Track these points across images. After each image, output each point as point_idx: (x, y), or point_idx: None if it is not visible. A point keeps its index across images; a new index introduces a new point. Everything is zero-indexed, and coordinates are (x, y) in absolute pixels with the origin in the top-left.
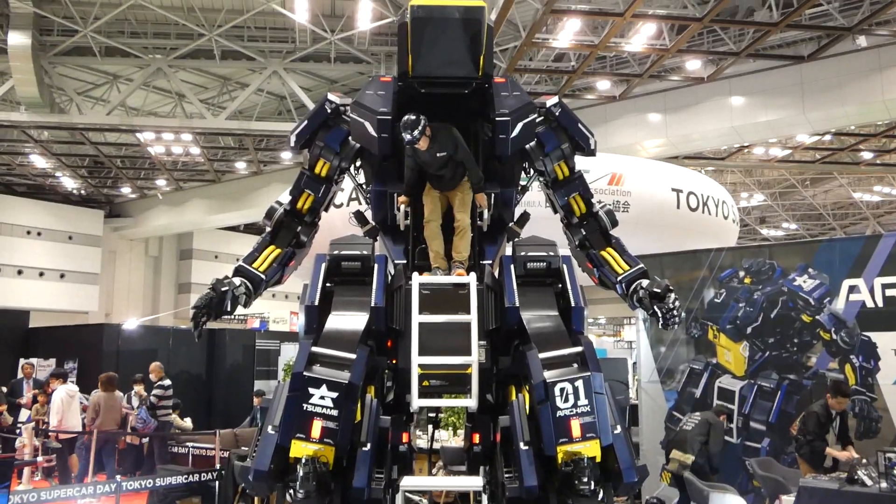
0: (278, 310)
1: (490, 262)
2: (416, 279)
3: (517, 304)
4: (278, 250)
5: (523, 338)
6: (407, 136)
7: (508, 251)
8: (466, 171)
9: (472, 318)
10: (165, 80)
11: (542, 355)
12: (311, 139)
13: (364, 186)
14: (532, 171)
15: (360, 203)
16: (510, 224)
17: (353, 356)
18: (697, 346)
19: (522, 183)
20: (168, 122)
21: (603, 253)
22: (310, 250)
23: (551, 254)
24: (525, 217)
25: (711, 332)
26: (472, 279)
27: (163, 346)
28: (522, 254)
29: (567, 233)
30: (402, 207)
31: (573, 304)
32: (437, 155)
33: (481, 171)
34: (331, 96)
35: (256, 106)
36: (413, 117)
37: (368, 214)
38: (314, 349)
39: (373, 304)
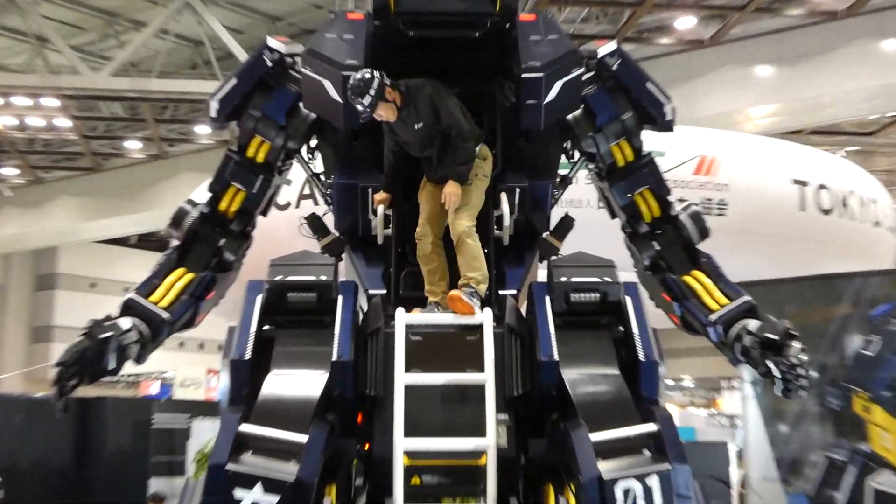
0: (189, 367)
1: (514, 291)
2: (402, 318)
3: (555, 357)
4: (190, 275)
5: (566, 409)
6: (357, 107)
7: (542, 275)
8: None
9: (488, 377)
10: (19, 16)
11: (595, 437)
12: (243, 107)
13: (323, 178)
14: (577, 155)
15: (316, 203)
16: (544, 235)
17: (304, 439)
18: (838, 423)
19: (563, 172)
20: (22, 78)
21: (687, 279)
22: (238, 275)
23: (607, 279)
24: (567, 224)
25: (859, 403)
26: (486, 318)
27: (5, 424)
28: (563, 279)
29: (631, 247)
30: (381, 210)
31: (642, 356)
32: (415, 127)
33: (500, 153)
34: (271, 42)
35: (158, 56)
36: (364, 76)
37: (329, 220)
38: (244, 428)
39: (335, 358)
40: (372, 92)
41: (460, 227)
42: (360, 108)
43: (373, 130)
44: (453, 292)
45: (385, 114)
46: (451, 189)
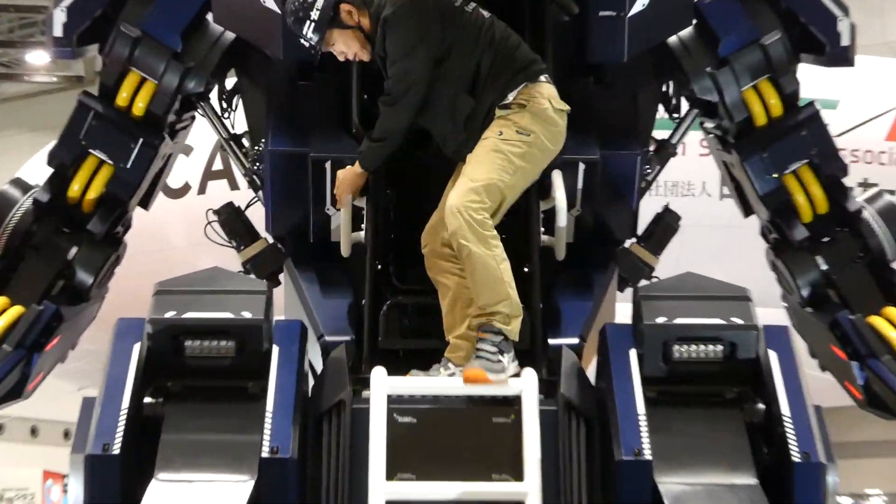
0: (13, 467)
1: (576, 339)
2: (383, 384)
3: (646, 456)
4: (16, 310)
5: None
6: (303, 41)
7: (620, 311)
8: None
9: (530, 489)
10: None
11: None
12: (109, 20)
13: (247, 145)
14: (684, 107)
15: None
16: (627, 244)
17: None
18: None
19: (658, 132)
20: None
21: (878, 321)
22: (100, 309)
23: (736, 321)
24: (667, 225)
25: None
26: (526, 386)
27: None
28: (661, 321)
29: (779, 266)
30: (347, 200)
31: (796, 454)
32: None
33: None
34: None
35: None
36: None
37: (258, 217)
38: None
39: (265, 454)
40: (315, 15)
41: (454, 220)
42: (303, 41)
43: (334, 64)
44: (454, 342)
45: (347, 48)
46: (341, 175)
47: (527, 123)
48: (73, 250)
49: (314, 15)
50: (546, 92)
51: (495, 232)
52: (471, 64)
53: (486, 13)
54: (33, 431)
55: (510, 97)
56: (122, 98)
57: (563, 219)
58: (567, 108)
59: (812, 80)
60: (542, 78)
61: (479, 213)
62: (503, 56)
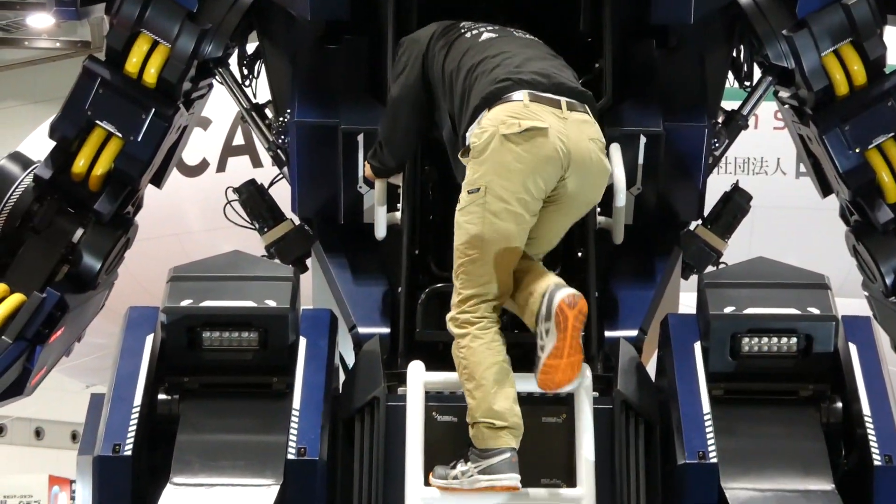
0: (15, 472)
1: (635, 331)
2: (420, 379)
3: (712, 459)
4: (16, 298)
5: None
6: None
7: (684, 300)
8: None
9: (584, 495)
10: None
11: None
12: None
13: (270, 116)
14: (757, 74)
15: (256, 164)
16: (692, 226)
17: None
18: None
19: (727, 103)
20: None
21: None
22: (108, 298)
23: (813, 311)
24: (737, 205)
25: None
26: (582, 380)
27: None
28: (729, 311)
29: (862, 252)
30: (378, 184)
31: (877, 457)
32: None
33: (610, 73)
34: None
35: None
36: None
37: (282, 196)
38: None
39: (291, 455)
40: None
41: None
42: None
43: (365, 25)
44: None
45: None
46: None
47: (472, 175)
48: (79, 232)
49: None
50: (499, 116)
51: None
52: (455, 96)
53: (492, 34)
54: (38, 433)
55: (467, 137)
56: (131, 64)
57: (621, 198)
58: (526, 126)
59: None
60: (515, 96)
61: (456, 327)
62: (479, 80)
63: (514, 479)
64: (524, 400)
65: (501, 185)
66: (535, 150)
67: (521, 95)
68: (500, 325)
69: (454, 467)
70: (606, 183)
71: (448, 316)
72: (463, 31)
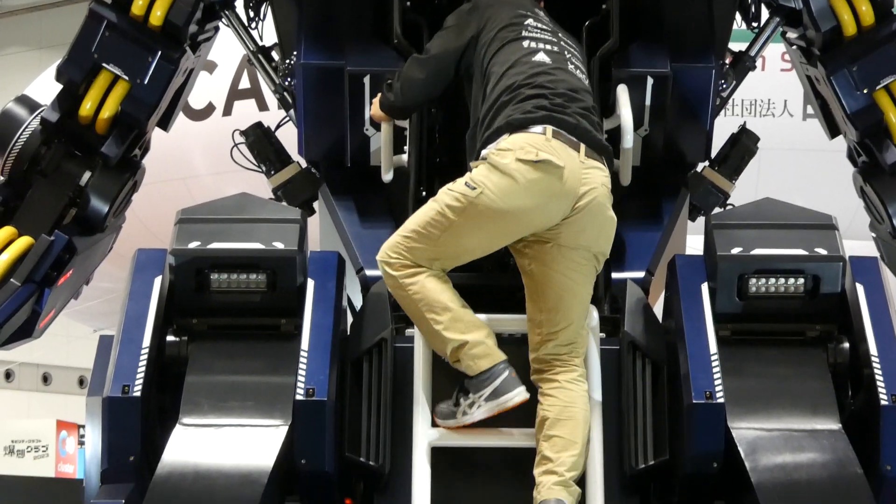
0: (23, 417)
1: (641, 273)
2: None
3: (719, 399)
4: (25, 240)
5: (738, 496)
6: None
7: (691, 242)
8: None
9: (592, 436)
10: None
11: None
12: None
13: (277, 59)
14: (764, 15)
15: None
16: (699, 168)
17: None
18: None
19: (735, 44)
20: None
21: None
22: (116, 241)
23: (820, 252)
24: (745, 147)
25: None
26: (589, 321)
27: None
28: (736, 251)
29: (870, 193)
30: (385, 126)
31: (884, 397)
32: None
33: (617, 12)
34: None
35: None
36: None
37: (289, 138)
38: None
39: (300, 396)
40: None
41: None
42: None
43: None
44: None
45: None
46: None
47: (478, 174)
48: (86, 175)
49: None
50: (519, 142)
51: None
52: (487, 101)
53: (547, 57)
54: (45, 379)
55: (483, 153)
56: (137, 6)
57: (628, 140)
58: (543, 157)
59: None
60: (537, 129)
61: (395, 270)
62: (513, 102)
63: (522, 392)
64: (522, 341)
65: (502, 192)
66: (545, 182)
67: (543, 129)
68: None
69: (458, 404)
70: (612, 232)
71: (382, 258)
72: (523, 36)
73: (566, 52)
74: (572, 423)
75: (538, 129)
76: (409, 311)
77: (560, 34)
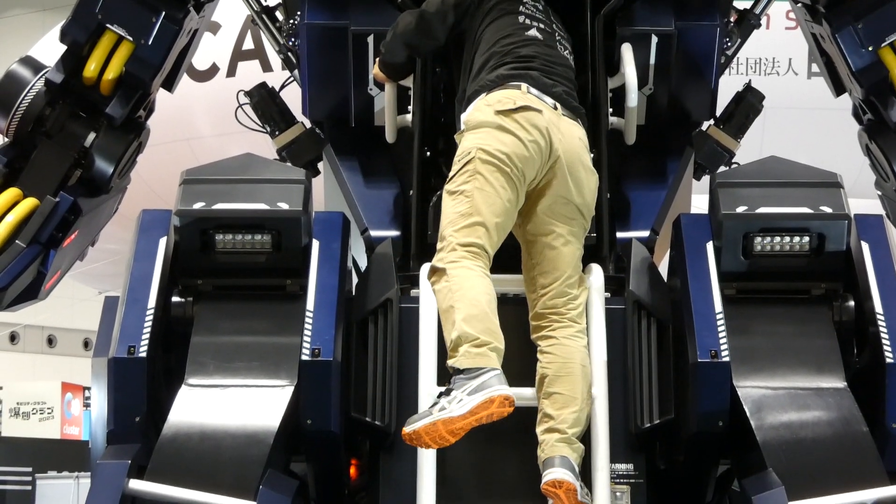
0: (27, 380)
1: (646, 232)
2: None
3: (724, 357)
4: (30, 202)
5: (743, 455)
6: None
7: (696, 201)
8: None
9: (596, 394)
10: None
11: None
12: None
13: (281, 18)
14: None
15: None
16: (704, 126)
17: None
18: None
19: (739, 2)
20: None
21: None
22: (121, 203)
23: (825, 210)
24: (749, 105)
25: None
26: (592, 279)
27: None
28: (741, 210)
29: (875, 151)
30: (388, 86)
31: (890, 355)
32: None
33: None
34: None
35: None
36: None
37: (293, 99)
38: (136, 487)
39: (305, 356)
40: None
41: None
42: None
43: None
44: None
45: None
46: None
47: (463, 145)
48: (91, 136)
49: None
50: (495, 97)
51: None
52: (474, 69)
53: (539, 34)
54: (50, 341)
55: (463, 118)
56: None
57: (633, 98)
58: (521, 104)
59: None
60: (513, 83)
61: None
62: (494, 69)
63: (506, 389)
64: (522, 302)
65: (494, 145)
66: (528, 122)
67: (519, 85)
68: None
69: (440, 397)
70: (594, 187)
71: (430, 266)
72: (520, 11)
73: (556, 35)
74: (571, 378)
75: (515, 84)
76: (440, 303)
77: (552, 17)
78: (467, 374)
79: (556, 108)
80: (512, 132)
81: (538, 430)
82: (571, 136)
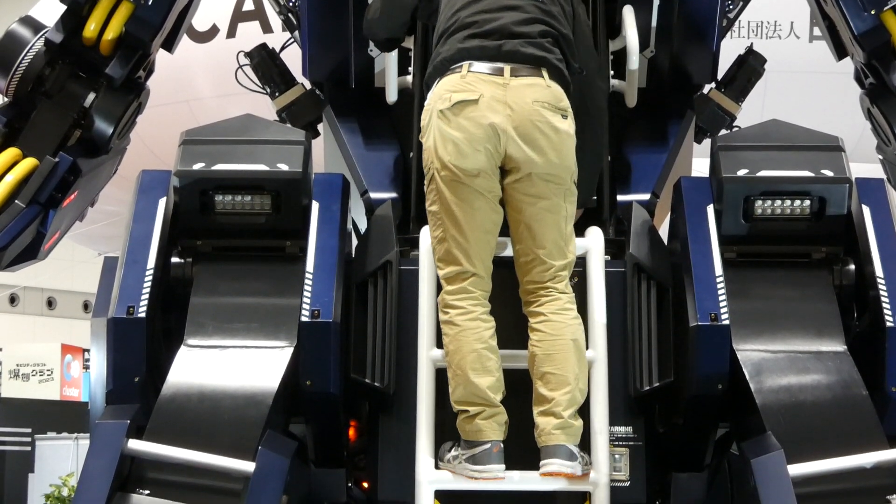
0: (26, 341)
1: (647, 195)
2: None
3: (724, 321)
4: (29, 161)
5: (743, 418)
6: None
7: (697, 165)
8: None
9: (596, 357)
10: None
11: (800, 470)
12: None
13: None
14: None
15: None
16: (705, 89)
17: (249, 469)
18: None
19: None
20: None
21: None
22: (120, 164)
23: (826, 173)
24: (751, 68)
25: None
26: (592, 245)
27: None
28: (742, 173)
29: (877, 115)
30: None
31: (889, 320)
32: None
33: None
34: None
35: None
36: None
37: (293, 60)
38: (135, 447)
39: (305, 317)
40: None
41: None
42: None
43: None
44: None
45: None
46: None
47: (424, 149)
48: (91, 96)
49: None
50: (436, 92)
51: (454, 311)
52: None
53: None
54: (49, 303)
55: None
56: None
57: (634, 61)
58: (456, 100)
59: None
60: (455, 67)
61: (443, 312)
62: (447, 42)
63: (497, 470)
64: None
65: (445, 157)
66: (466, 121)
67: (459, 66)
68: (485, 309)
69: (450, 449)
70: (565, 145)
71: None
72: None
73: None
74: (561, 356)
75: (457, 66)
76: (447, 347)
77: None
78: (467, 443)
79: (502, 74)
80: (453, 140)
81: (534, 410)
82: (522, 102)
